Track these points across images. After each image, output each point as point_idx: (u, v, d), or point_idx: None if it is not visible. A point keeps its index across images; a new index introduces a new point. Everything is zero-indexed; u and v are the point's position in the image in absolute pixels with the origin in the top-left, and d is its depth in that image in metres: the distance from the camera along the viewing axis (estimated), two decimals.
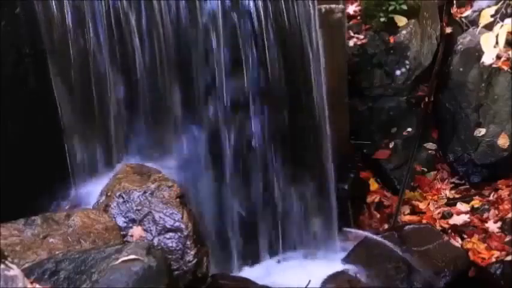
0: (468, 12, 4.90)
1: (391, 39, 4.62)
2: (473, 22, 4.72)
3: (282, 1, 3.49)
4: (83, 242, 2.68)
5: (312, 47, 3.64)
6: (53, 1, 3.08)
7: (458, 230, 4.22)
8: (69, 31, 3.13)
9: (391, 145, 4.68)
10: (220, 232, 3.59)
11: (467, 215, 4.31)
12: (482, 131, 4.56)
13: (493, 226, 4.17)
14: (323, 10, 3.81)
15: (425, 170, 4.69)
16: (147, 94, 3.34)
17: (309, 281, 3.47)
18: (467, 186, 4.60)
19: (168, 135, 3.44)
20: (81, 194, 3.20)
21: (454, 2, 4.97)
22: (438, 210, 4.40)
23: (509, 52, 4.33)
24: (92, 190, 3.15)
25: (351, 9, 4.75)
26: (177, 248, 2.80)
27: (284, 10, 3.51)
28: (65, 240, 2.68)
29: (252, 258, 3.73)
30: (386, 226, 4.32)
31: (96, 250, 2.45)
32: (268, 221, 3.74)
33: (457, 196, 4.55)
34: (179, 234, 2.83)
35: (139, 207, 2.90)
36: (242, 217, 3.64)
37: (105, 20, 3.18)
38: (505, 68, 4.45)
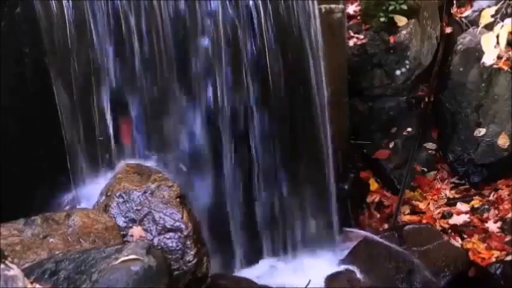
0: (468, 12, 4.90)
1: (391, 39, 4.61)
2: (473, 22, 4.72)
3: (282, 1, 3.49)
4: (83, 242, 2.68)
5: (312, 47, 3.64)
6: (53, 1, 3.08)
7: (458, 230, 4.22)
8: (69, 31, 3.13)
9: (391, 145, 4.68)
10: (220, 232, 3.59)
11: (467, 215, 4.31)
12: (482, 131, 4.56)
13: (493, 226, 4.18)
14: (323, 10, 3.81)
15: (425, 170, 4.69)
16: (147, 93, 3.34)
17: (309, 281, 3.47)
18: (467, 186, 4.60)
19: (168, 135, 3.44)
20: (81, 194, 3.20)
21: (454, 2, 4.97)
22: (438, 210, 4.40)
23: (510, 52, 4.33)
24: (92, 190, 3.15)
25: (351, 9, 4.75)
26: (177, 248, 2.80)
27: (284, 10, 3.51)
28: (65, 240, 2.68)
29: (253, 258, 3.72)
30: (386, 226, 4.32)
31: (96, 250, 2.46)
32: (268, 221, 3.74)
33: (457, 196, 4.55)
34: (179, 234, 2.83)
35: (139, 207, 2.90)
36: (243, 217, 3.64)
37: (105, 20, 3.18)
38: (505, 68, 4.45)
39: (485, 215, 4.30)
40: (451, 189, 4.60)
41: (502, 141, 4.50)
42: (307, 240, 3.87)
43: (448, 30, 4.92)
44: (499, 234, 4.11)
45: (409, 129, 4.71)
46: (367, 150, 4.69)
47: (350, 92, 4.32)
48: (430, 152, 4.77)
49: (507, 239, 4.04)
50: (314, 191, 3.84)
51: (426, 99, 4.79)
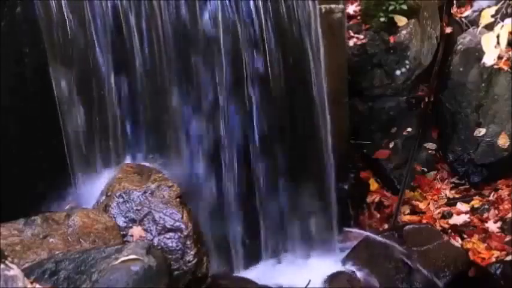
0: (468, 12, 4.90)
1: (391, 39, 4.61)
2: (473, 22, 4.72)
3: (282, 1, 3.49)
4: (83, 242, 2.68)
5: (312, 47, 3.64)
6: (53, 1, 3.08)
7: (458, 230, 4.22)
8: (69, 31, 3.13)
9: (391, 145, 4.68)
10: (220, 232, 3.58)
11: (467, 215, 4.31)
12: (482, 131, 4.56)
13: (493, 226, 4.17)
14: (323, 10, 3.81)
15: (425, 170, 4.69)
16: (147, 94, 3.34)
17: (309, 281, 3.47)
18: (467, 186, 4.60)
19: (168, 135, 3.44)
20: (81, 194, 3.20)
21: (454, 2, 4.97)
22: (438, 210, 4.40)
23: (510, 52, 4.33)
24: (92, 190, 3.15)
25: (351, 9, 4.74)
26: (177, 248, 2.80)
27: (284, 10, 3.51)
28: (65, 240, 2.68)
29: (252, 258, 3.72)
30: (386, 226, 4.32)
31: (96, 250, 2.46)
32: (268, 220, 3.74)
33: (457, 196, 4.55)
34: (179, 234, 2.83)
35: (139, 207, 2.90)
36: (243, 217, 3.64)
37: (105, 20, 3.18)
38: (505, 68, 4.45)
39: (485, 215, 4.30)
40: (451, 189, 4.60)
41: (502, 141, 4.50)
42: (307, 240, 3.87)
43: (448, 30, 4.92)
44: (499, 234, 4.11)
45: (409, 129, 4.71)
46: (367, 150, 4.69)
47: (350, 92, 4.32)
48: (430, 152, 4.76)
49: (507, 239, 4.04)
50: (314, 191, 3.84)
51: (426, 99, 4.79)
